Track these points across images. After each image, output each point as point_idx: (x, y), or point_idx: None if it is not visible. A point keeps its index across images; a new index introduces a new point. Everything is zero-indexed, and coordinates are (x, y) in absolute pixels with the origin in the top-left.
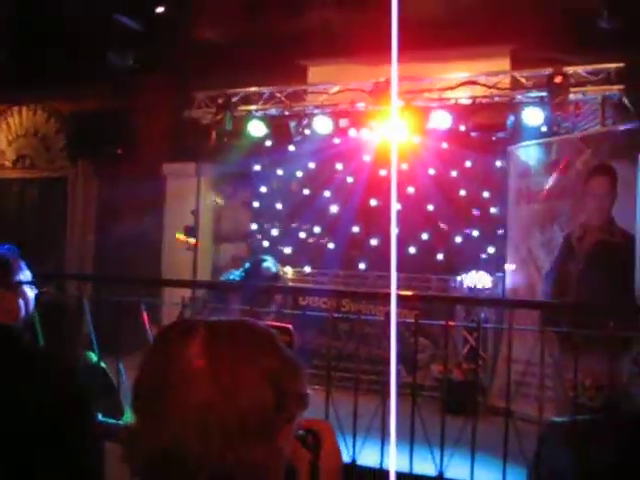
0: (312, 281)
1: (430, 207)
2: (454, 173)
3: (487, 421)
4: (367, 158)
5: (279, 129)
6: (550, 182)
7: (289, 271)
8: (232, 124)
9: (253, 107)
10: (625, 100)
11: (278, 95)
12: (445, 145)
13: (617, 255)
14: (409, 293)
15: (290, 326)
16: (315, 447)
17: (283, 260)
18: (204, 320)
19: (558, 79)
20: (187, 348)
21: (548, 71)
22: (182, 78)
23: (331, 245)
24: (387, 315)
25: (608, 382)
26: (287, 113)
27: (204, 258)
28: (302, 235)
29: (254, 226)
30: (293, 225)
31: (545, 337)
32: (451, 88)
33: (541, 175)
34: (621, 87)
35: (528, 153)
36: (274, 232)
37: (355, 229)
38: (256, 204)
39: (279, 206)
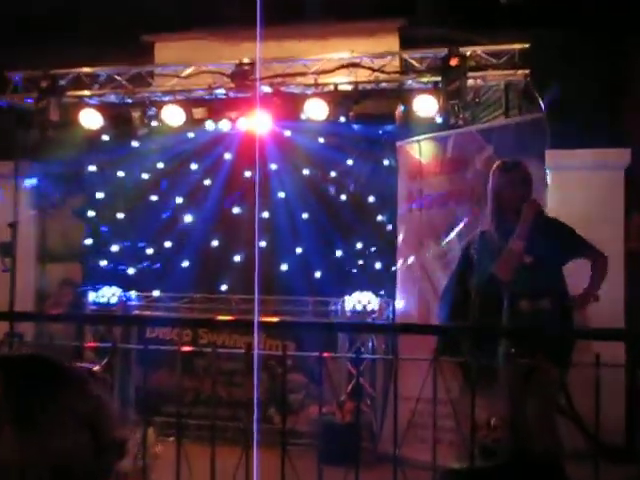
0: (162, 308)
1: (305, 215)
2: (333, 174)
3: (376, 471)
4: (228, 156)
5: (119, 120)
6: (446, 184)
7: (133, 296)
8: (59, 113)
9: (86, 92)
10: (531, 87)
11: (117, 78)
12: (322, 140)
13: None
14: (274, 320)
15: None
16: None
17: (126, 283)
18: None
19: (454, 62)
20: None
21: (443, 52)
22: None
23: (185, 263)
24: (249, 347)
25: (515, 421)
26: (129, 100)
27: (24, 282)
28: (149, 251)
29: (89, 241)
30: (138, 239)
31: (442, 368)
32: (329, 72)
33: (436, 175)
34: (526, 72)
35: (420, 149)
36: (114, 249)
37: (214, 243)
38: (91, 213)
39: (120, 216)
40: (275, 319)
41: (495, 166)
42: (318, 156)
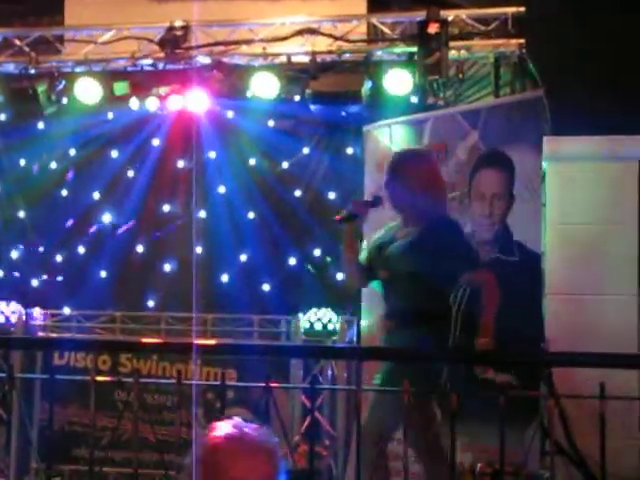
0: (73, 329)
1: (251, 215)
2: (285, 165)
3: None
4: (157, 142)
5: (21, 96)
6: None
7: (37, 315)
8: None
9: None
10: (527, 60)
11: (17, 43)
12: (272, 123)
13: (515, 281)
14: (212, 342)
15: None
16: None
17: (28, 298)
18: None
19: (433, 28)
20: None
21: (419, 17)
22: None
23: (103, 273)
24: (181, 377)
25: (509, 466)
26: (33, 72)
27: None
28: (58, 258)
29: None
30: (43, 244)
31: (413, 403)
32: (281, 39)
33: None
34: (521, 41)
35: (392, 135)
36: (13, 255)
37: (139, 249)
38: None
39: (21, 214)
40: (213, 341)
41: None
42: (267, 143)
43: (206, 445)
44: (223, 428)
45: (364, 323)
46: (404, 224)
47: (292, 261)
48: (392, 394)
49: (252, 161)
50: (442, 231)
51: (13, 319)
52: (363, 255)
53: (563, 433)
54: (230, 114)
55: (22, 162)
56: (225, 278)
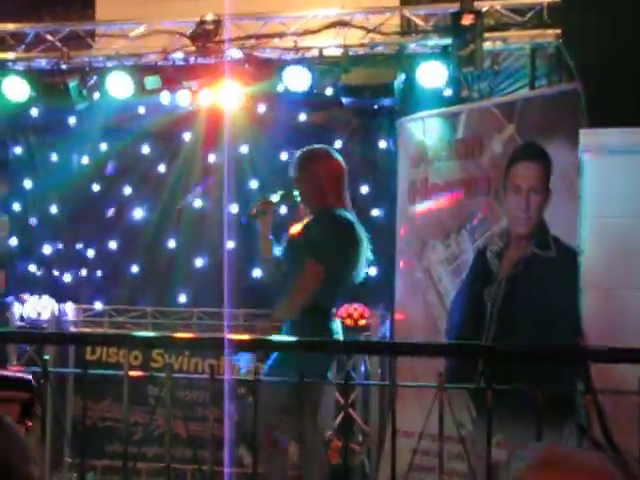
0: (105, 324)
1: (283, 210)
2: None
3: None
4: (188, 137)
5: (52, 91)
6: (457, 171)
7: (70, 310)
8: None
9: (10, 55)
10: (564, 51)
11: (49, 38)
12: (304, 117)
13: (551, 276)
14: (246, 337)
15: (30, 377)
16: None
17: (61, 293)
18: None
19: (467, 20)
20: None
21: (453, 8)
22: None
23: (135, 269)
24: (213, 372)
25: None
26: (64, 67)
27: None
28: (90, 254)
29: (14, 241)
30: (76, 240)
31: (451, 397)
32: (313, 32)
33: (444, 160)
34: (558, 32)
35: (425, 128)
36: (46, 250)
37: (171, 244)
38: (17, 207)
39: (53, 210)
40: (247, 336)
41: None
42: (299, 136)
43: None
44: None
45: (398, 317)
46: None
47: None
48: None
49: (284, 155)
50: (321, 221)
51: (45, 314)
52: (277, 250)
53: (601, 430)
54: (262, 108)
55: (54, 157)
56: (258, 273)
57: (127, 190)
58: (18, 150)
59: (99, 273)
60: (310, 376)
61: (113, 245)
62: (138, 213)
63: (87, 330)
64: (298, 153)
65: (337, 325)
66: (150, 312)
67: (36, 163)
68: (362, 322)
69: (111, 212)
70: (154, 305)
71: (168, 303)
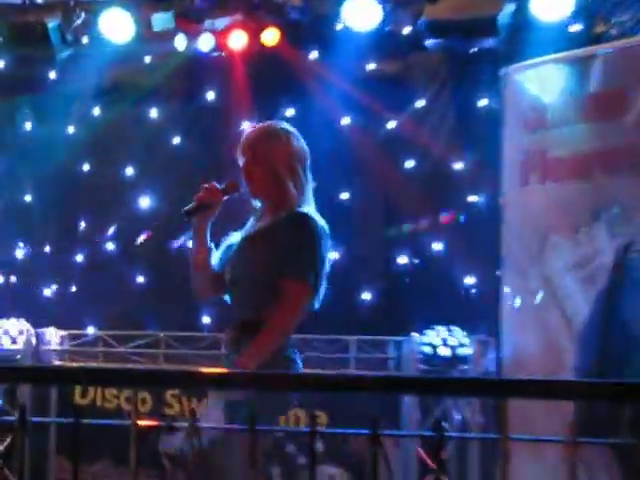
0: (100, 355)
1: (344, 195)
2: (391, 125)
3: None
4: (211, 96)
5: (25, 35)
6: (588, 139)
7: (52, 336)
8: None
9: None
10: None
11: None
12: (373, 66)
13: None
14: (290, 373)
15: None
16: None
17: (40, 313)
18: None
19: None
20: None
21: None
22: None
23: (141, 279)
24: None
25: None
26: (40, 0)
27: None
28: (79, 259)
29: None
30: (60, 239)
31: (585, 456)
32: None
33: (570, 124)
34: None
35: (543, 80)
36: (18, 255)
37: (189, 245)
38: None
39: (27, 199)
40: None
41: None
42: (366, 94)
43: None
44: None
45: (507, 347)
46: (263, 217)
47: (402, 260)
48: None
49: (345, 120)
50: (296, 226)
51: (20, 342)
52: (215, 257)
53: None
54: (313, 55)
55: (27, 127)
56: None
57: (129, 171)
58: None
59: (92, 286)
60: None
61: (110, 247)
62: (144, 202)
63: (76, 364)
64: (248, 131)
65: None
66: (163, 339)
67: (3, 135)
68: (462, 351)
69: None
70: (168, 329)
71: (187, 326)
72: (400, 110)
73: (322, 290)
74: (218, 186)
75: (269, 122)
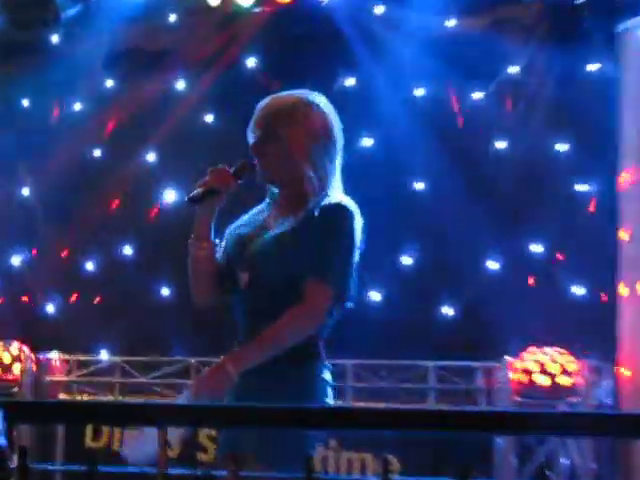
0: (119, 386)
1: (419, 185)
2: (478, 95)
3: None
4: (251, 63)
5: None
6: None
7: (56, 363)
8: None
9: None
10: None
11: None
12: (454, 23)
13: None
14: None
15: None
16: None
17: (43, 335)
18: None
19: None
20: None
21: None
22: None
23: (165, 291)
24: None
25: None
26: None
27: None
28: (90, 267)
29: None
30: (68, 244)
31: None
32: None
33: None
34: None
35: None
36: (15, 262)
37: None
38: None
39: (25, 193)
40: (359, 405)
41: None
42: (445, 58)
43: None
44: None
45: (625, 373)
46: (280, 206)
47: (493, 265)
48: None
49: (419, 91)
50: (330, 221)
51: (16, 370)
52: (219, 254)
53: None
54: (379, 10)
55: (25, 103)
56: (375, 296)
57: (150, 157)
58: None
59: (106, 300)
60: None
61: (128, 251)
62: (169, 196)
63: (86, 397)
64: (263, 102)
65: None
66: (193, 365)
67: None
68: (566, 380)
69: (108, 205)
70: (200, 354)
71: (224, 350)
72: (488, 78)
73: (350, 297)
74: (229, 169)
75: (292, 92)
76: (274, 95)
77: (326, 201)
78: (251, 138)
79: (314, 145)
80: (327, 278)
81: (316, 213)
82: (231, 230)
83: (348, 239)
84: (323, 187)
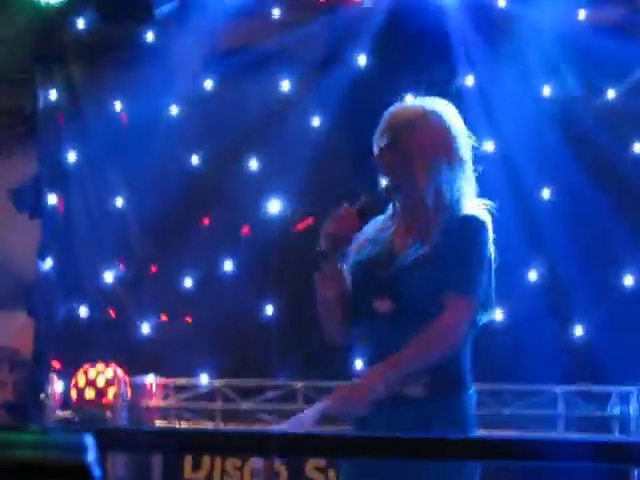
0: (220, 412)
1: (545, 193)
2: (610, 95)
3: None
4: (363, 61)
5: None
6: None
7: (152, 386)
8: None
9: None
10: None
11: None
12: (584, 15)
13: None
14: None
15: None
16: None
17: (137, 357)
18: None
19: None
20: None
21: None
22: None
23: (270, 310)
24: None
25: None
26: None
27: None
28: (187, 284)
29: (46, 264)
30: (161, 260)
31: None
32: None
33: None
34: None
35: None
36: (107, 279)
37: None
38: (51, 200)
39: (118, 204)
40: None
41: None
42: (576, 54)
43: None
44: None
45: None
46: (404, 221)
47: (628, 281)
48: None
49: (546, 90)
50: (468, 235)
51: (110, 395)
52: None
53: None
54: (501, 2)
55: (116, 107)
56: (498, 315)
57: (252, 164)
58: (52, 96)
59: (205, 319)
60: None
61: (230, 267)
62: (273, 207)
63: (186, 424)
64: (390, 110)
65: None
66: (300, 389)
67: (84, 119)
68: None
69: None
70: (307, 378)
71: (333, 373)
72: (624, 74)
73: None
74: (352, 209)
75: (418, 101)
76: (400, 104)
77: (461, 214)
78: (376, 148)
79: (438, 157)
80: (469, 291)
81: (452, 227)
82: (356, 254)
83: (486, 251)
84: (446, 201)
